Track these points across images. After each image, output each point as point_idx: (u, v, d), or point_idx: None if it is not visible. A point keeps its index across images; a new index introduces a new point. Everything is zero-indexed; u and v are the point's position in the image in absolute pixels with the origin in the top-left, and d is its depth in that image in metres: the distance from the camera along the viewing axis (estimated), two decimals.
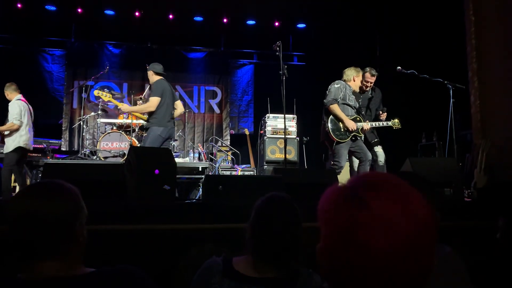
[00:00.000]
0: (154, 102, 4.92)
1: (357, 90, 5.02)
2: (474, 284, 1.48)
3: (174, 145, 7.28)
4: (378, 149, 5.17)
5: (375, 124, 4.99)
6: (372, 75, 5.12)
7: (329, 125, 4.74)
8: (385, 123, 5.00)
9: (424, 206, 0.76)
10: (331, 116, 4.77)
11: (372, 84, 5.20)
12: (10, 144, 5.29)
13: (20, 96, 5.49)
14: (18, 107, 5.30)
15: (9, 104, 5.37)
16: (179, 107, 5.38)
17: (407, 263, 0.72)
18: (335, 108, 4.75)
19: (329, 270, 0.79)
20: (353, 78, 4.96)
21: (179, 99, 5.63)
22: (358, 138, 4.87)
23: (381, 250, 0.71)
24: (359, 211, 0.73)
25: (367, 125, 4.86)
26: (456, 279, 1.44)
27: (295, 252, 1.52)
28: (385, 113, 5.08)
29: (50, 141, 7.15)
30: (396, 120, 5.04)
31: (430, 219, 0.75)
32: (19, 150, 5.33)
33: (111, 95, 5.94)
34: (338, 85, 4.85)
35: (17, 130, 5.26)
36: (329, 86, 4.91)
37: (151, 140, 4.85)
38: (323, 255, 0.80)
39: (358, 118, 4.87)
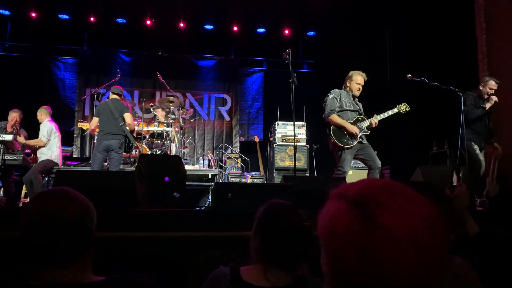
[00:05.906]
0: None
1: (356, 94, 4.87)
2: None
3: (184, 152, 7.31)
4: None
5: (382, 115, 4.84)
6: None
7: (333, 135, 4.71)
8: (391, 112, 4.83)
9: (433, 210, 0.69)
10: (332, 127, 4.73)
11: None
12: (43, 156, 5.90)
13: (49, 118, 6.17)
14: (47, 128, 6.00)
15: (41, 124, 6.05)
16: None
17: (432, 278, 0.66)
18: (334, 118, 4.72)
19: None
20: (347, 83, 4.91)
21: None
22: (364, 142, 4.78)
23: (409, 270, 0.64)
24: (373, 230, 0.66)
25: (374, 120, 4.77)
26: None
27: (306, 254, 1.51)
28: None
29: (62, 148, 7.23)
30: (402, 105, 4.85)
31: (442, 222, 0.68)
32: (49, 162, 5.88)
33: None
34: (332, 95, 4.81)
35: (43, 146, 5.94)
36: (325, 98, 4.88)
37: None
38: (338, 278, 0.71)
39: (360, 118, 4.81)
